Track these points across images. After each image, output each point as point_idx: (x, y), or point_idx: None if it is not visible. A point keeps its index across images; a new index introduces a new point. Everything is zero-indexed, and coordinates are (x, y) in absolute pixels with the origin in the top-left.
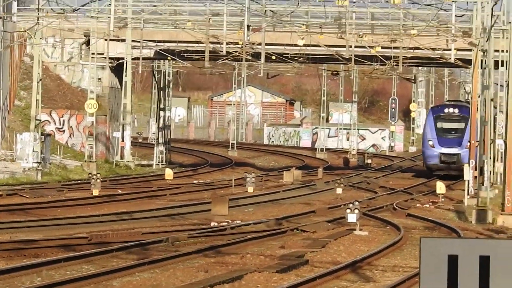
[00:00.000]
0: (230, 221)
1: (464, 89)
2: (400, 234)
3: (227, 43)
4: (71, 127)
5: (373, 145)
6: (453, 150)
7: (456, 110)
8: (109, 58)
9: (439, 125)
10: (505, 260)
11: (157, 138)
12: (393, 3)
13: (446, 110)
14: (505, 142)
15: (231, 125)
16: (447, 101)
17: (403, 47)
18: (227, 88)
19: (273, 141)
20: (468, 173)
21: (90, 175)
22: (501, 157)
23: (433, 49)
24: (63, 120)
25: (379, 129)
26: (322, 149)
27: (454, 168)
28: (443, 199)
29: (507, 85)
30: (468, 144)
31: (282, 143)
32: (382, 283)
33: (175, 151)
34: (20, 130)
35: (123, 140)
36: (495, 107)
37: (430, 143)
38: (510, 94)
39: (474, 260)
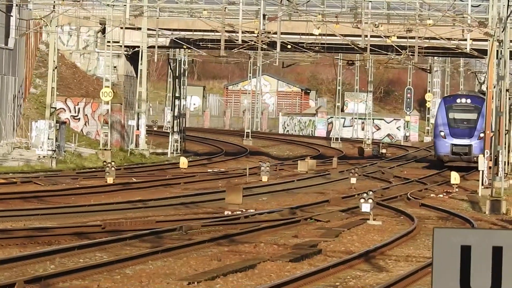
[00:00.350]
0: (244, 210)
1: (477, 79)
2: (413, 224)
3: (242, 32)
4: (86, 115)
5: (388, 135)
6: (465, 141)
7: (469, 101)
8: (125, 46)
9: (451, 115)
10: None
11: (172, 127)
12: None
13: (458, 100)
14: None
15: (246, 114)
16: (460, 91)
17: (419, 37)
18: (242, 77)
19: (288, 131)
20: (483, 163)
21: (104, 163)
22: None
23: (448, 39)
24: (78, 108)
25: (394, 119)
26: (337, 139)
27: (465, 159)
28: (457, 189)
29: None
30: (481, 135)
31: (297, 132)
32: (395, 273)
33: (190, 139)
34: (35, 118)
35: (138, 129)
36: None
37: (442, 133)
38: None
39: (487, 251)
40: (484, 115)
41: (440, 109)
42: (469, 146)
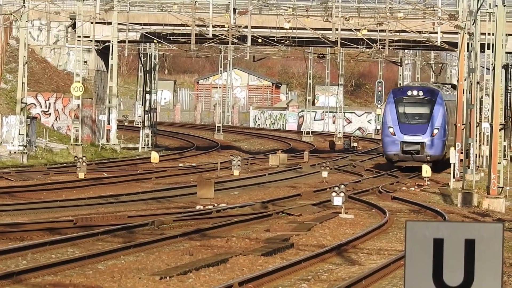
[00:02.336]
0: (215, 204)
1: (432, 70)
2: (385, 217)
3: (213, 26)
4: (57, 110)
5: (359, 128)
6: (417, 139)
7: (421, 93)
8: (95, 41)
9: (400, 109)
10: (490, 244)
11: (143, 121)
12: None
13: (409, 92)
14: (491, 125)
15: (217, 108)
16: (411, 82)
17: (390, 30)
18: (213, 71)
19: (259, 124)
20: (454, 156)
21: (76, 158)
22: (487, 140)
23: (419, 32)
24: (49, 103)
25: (365, 112)
26: (308, 132)
27: (417, 158)
28: (428, 183)
29: (493, 68)
30: (435, 131)
31: (268, 126)
32: (367, 266)
33: (161, 134)
34: (6, 113)
35: (109, 123)
36: (481, 90)
37: (391, 130)
38: (496, 77)
39: (460, 244)
40: (439, 109)
41: (388, 102)
42: (422, 143)
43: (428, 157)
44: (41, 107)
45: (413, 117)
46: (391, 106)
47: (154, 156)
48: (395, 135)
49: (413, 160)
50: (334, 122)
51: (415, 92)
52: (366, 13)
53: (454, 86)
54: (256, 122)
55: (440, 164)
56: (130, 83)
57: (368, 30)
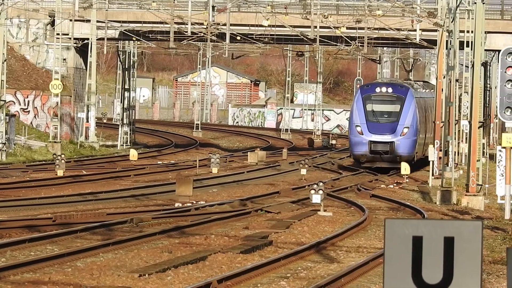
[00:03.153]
0: (194, 202)
1: (403, 65)
2: (364, 215)
3: (192, 24)
4: (36, 107)
5: (338, 126)
6: (386, 138)
7: (390, 90)
8: (74, 38)
9: (369, 107)
10: (469, 241)
11: (122, 119)
12: None
13: (377, 89)
14: (470, 123)
15: (196, 106)
16: (380, 79)
17: (368, 28)
18: (192, 69)
19: (237, 122)
20: (433, 154)
21: (54, 155)
22: (466, 138)
23: (398, 29)
24: (28, 101)
25: (344, 110)
26: (286, 130)
27: (386, 159)
28: (407, 180)
29: (472, 66)
30: (405, 130)
31: (246, 124)
32: (346, 264)
33: (139, 132)
34: None
35: (87, 121)
36: (460, 88)
37: (358, 129)
38: (475, 74)
39: (439, 241)
40: (409, 106)
41: (356, 100)
42: (391, 143)
43: (398, 158)
44: (20, 104)
45: (381, 115)
46: (359, 104)
47: (133, 154)
48: (362, 135)
49: (382, 160)
50: (312, 120)
51: (383, 89)
52: (344, 10)
53: (427, 84)
54: (235, 119)
55: (411, 165)
56: (109, 81)
57: (347, 28)
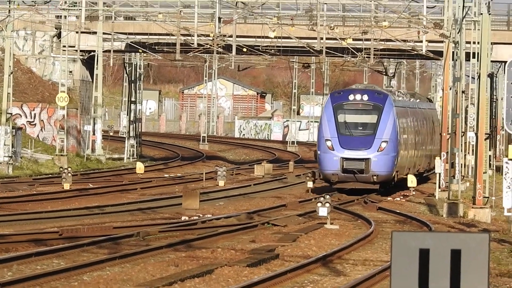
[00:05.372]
0: (201, 215)
1: (385, 72)
2: (371, 228)
3: (198, 35)
4: (42, 120)
5: None
6: (360, 154)
7: (366, 97)
8: (80, 50)
9: (340, 118)
10: (476, 254)
11: (128, 132)
12: None
13: (350, 97)
14: (476, 134)
15: (202, 118)
16: (354, 85)
17: (375, 39)
18: (198, 81)
19: (244, 134)
20: (439, 166)
21: (61, 169)
22: (472, 150)
23: (404, 40)
24: (34, 114)
25: None
26: (293, 142)
27: (361, 179)
28: (414, 193)
29: (479, 77)
30: (383, 145)
31: (253, 136)
32: (353, 277)
33: (146, 144)
34: None
35: (94, 134)
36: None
37: (328, 143)
38: (481, 86)
39: (446, 254)
40: (388, 117)
41: (326, 109)
42: (366, 160)
43: (375, 177)
44: (26, 117)
45: (355, 128)
46: (329, 114)
47: (139, 167)
48: (333, 150)
49: (356, 180)
50: None
51: (358, 97)
52: (351, 22)
53: (412, 94)
54: (241, 132)
55: (390, 186)
56: (115, 93)
57: (353, 39)
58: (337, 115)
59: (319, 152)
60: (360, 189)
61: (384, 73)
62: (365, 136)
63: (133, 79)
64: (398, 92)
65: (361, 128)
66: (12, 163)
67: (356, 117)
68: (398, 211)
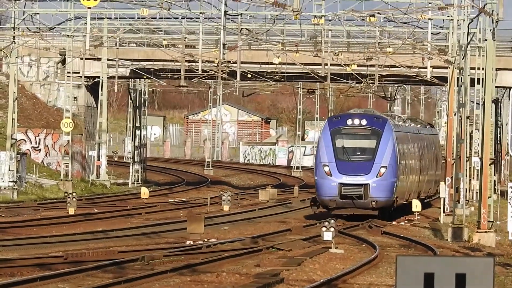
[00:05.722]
0: (205, 240)
1: (385, 96)
2: (375, 252)
3: (203, 62)
4: (47, 146)
5: None
6: (359, 179)
7: (364, 122)
8: (85, 77)
9: (338, 143)
10: (481, 278)
11: (133, 157)
12: (369, 21)
13: (349, 121)
14: (481, 159)
15: (207, 144)
16: (353, 110)
17: (379, 65)
18: (202, 106)
19: (248, 160)
20: (444, 190)
21: (66, 194)
22: (477, 175)
23: (409, 67)
24: (39, 139)
25: None
26: (298, 167)
27: (360, 205)
28: (418, 217)
29: (483, 103)
30: (382, 170)
31: (257, 161)
32: None
33: (150, 169)
34: None
35: (99, 159)
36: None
37: (326, 169)
38: (486, 111)
39: (450, 278)
40: (387, 142)
41: (323, 134)
42: (365, 186)
43: (374, 203)
44: (31, 143)
45: (353, 153)
46: (326, 139)
47: (144, 192)
48: (331, 176)
49: (354, 206)
50: None
51: (356, 121)
52: (355, 48)
53: (413, 119)
54: (246, 157)
55: (390, 212)
56: (120, 119)
57: (358, 65)
58: (335, 140)
59: (316, 178)
60: (359, 215)
61: (384, 97)
62: (363, 161)
63: (137, 105)
64: (398, 117)
65: (359, 153)
66: (17, 188)
67: (354, 142)
68: (402, 236)
